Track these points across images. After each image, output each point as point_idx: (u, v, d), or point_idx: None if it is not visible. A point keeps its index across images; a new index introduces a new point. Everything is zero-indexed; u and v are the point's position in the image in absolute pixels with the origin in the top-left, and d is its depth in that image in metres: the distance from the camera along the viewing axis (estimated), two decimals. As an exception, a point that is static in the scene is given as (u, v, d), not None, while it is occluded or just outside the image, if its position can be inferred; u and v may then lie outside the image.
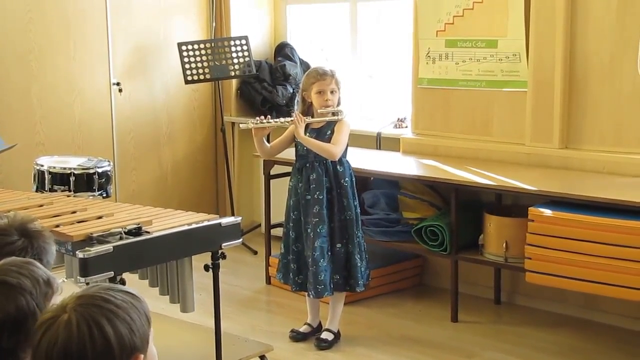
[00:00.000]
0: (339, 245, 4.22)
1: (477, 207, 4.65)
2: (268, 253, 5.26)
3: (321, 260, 4.15)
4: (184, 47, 5.69)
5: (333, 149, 4.14)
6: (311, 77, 4.20)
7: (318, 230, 4.15)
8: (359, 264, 4.23)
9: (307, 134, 4.18)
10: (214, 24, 6.24)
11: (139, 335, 1.66)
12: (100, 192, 4.53)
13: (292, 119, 4.20)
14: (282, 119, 4.25)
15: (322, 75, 4.17)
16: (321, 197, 4.16)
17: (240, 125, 4.29)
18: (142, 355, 1.67)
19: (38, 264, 1.95)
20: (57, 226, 3.27)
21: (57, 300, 1.93)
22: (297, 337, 4.37)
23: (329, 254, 4.19)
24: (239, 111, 6.24)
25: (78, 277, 3.04)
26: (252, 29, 6.22)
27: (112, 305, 1.65)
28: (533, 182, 4.28)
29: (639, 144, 4.36)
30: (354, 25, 5.92)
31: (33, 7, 5.32)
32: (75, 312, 1.63)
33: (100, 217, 3.44)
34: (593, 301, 4.48)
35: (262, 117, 4.22)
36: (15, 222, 2.27)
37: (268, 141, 4.36)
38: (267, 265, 5.22)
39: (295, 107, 5.63)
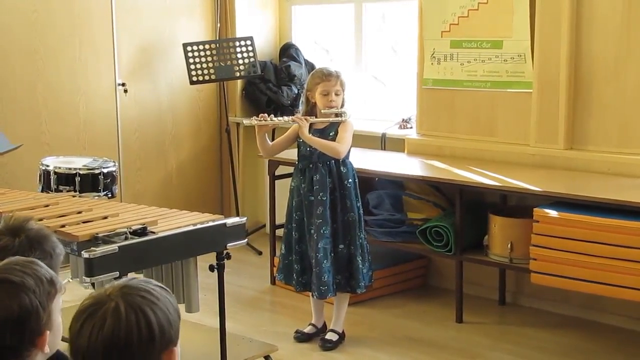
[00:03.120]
0: (341, 246, 4.22)
1: (482, 207, 4.65)
2: (273, 253, 5.26)
3: (324, 262, 4.15)
4: (189, 48, 5.70)
5: (339, 147, 4.14)
6: (316, 78, 4.21)
7: (321, 231, 4.15)
8: (360, 266, 4.23)
9: (311, 134, 4.18)
10: (218, 25, 6.24)
11: (175, 328, 1.71)
12: (105, 192, 4.54)
13: (294, 117, 4.21)
14: (285, 117, 4.26)
15: (327, 76, 4.17)
16: (324, 198, 4.16)
17: (244, 122, 4.29)
18: (176, 349, 1.71)
19: (41, 263, 1.96)
20: (63, 226, 3.28)
21: (60, 300, 1.94)
22: (302, 337, 4.37)
23: (332, 255, 4.19)
24: (244, 112, 6.25)
25: (83, 277, 3.04)
26: (257, 29, 6.22)
27: (154, 297, 1.70)
28: (538, 182, 4.27)
29: (644, 145, 4.36)
30: (359, 26, 5.92)
31: (39, 7, 5.33)
32: (123, 300, 1.66)
33: (105, 217, 3.44)
34: (598, 302, 4.48)
35: (266, 114, 4.22)
36: (8, 223, 2.28)
37: (273, 139, 4.36)
38: (272, 265, 5.22)
39: (300, 107, 5.64)
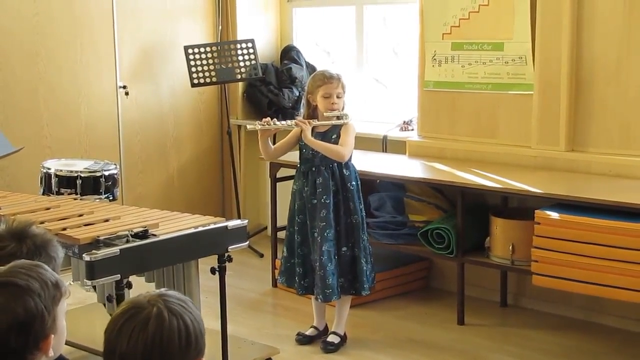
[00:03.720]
0: (344, 248, 4.22)
1: (483, 209, 4.64)
2: (274, 256, 5.26)
3: (329, 265, 4.15)
4: (190, 50, 5.70)
5: (342, 150, 4.14)
6: (317, 80, 4.20)
7: (325, 234, 4.15)
8: (364, 268, 4.23)
9: (313, 137, 4.17)
10: (220, 27, 6.25)
11: (204, 339, 1.78)
12: (106, 195, 4.53)
13: (297, 120, 4.21)
14: (288, 122, 4.25)
15: (328, 79, 4.17)
16: (328, 201, 4.16)
17: (248, 127, 4.29)
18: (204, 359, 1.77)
19: (47, 266, 1.96)
20: (64, 229, 3.28)
21: (64, 303, 1.94)
22: (304, 340, 4.37)
23: (335, 257, 4.19)
24: (245, 114, 6.25)
25: (85, 280, 3.05)
26: (258, 32, 6.23)
27: (191, 308, 1.78)
28: (539, 184, 4.27)
29: (646, 146, 4.36)
30: (360, 28, 5.92)
31: (40, 11, 5.34)
32: (165, 305, 1.72)
33: (107, 220, 3.45)
34: (599, 304, 4.47)
35: (269, 118, 4.21)
36: (9, 227, 2.28)
37: (274, 142, 4.36)
38: (274, 268, 5.22)
39: (301, 109, 5.64)
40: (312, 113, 4.25)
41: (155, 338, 1.68)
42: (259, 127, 4.16)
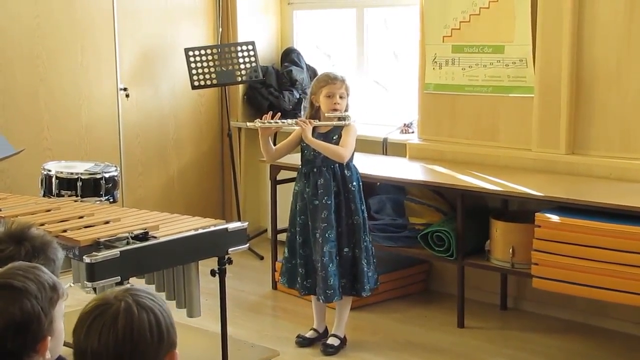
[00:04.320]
0: (346, 249, 4.22)
1: (484, 212, 4.64)
2: (274, 258, 5.26)
3: (330, 265, 4.15)
4: (190, 53, 5.70)
5: (342, 150, 4.14)
6: (321, 81, 4.21)
7: (327, 235, 4.15)
8: (365, 269, 4.23)
9: (314, 138, 4.18)
10: (220, 30, 6.25)
11: (175, 331, 1.75)
12: (107, 197, 4.54)
13: (298, 119, 4.22)
14: (289, 120, 4.25)
15: (332, 80, 4.18)
16: (329, 202, 4.16)
17: (247, 124, 4.30)
18: (177, 352, 1.75)
19: (44, 268, 1.96)
20: (65, 231, 3.28)
21: (62, 305, 1.94)
22: (303, 342, 4.37)
23: (337, 258, 4.19)
24: (246, 116, 6.25)
25: (85, 282, 3.05)
26: (259, 34, 6.23)
27: (159, 300, 1.74)
28: (539, 187, 4.27)
29: (646, 149, 4.36)
30: (361, 31, 5.93)
31: (41, 13, 5.34)
32: (133, 300, 1.69)
33: (107, 222, 3.45)
34: (600, 307, 4.47)
35: (269, 115, 4.21)
36: (9, 229, 2.27)
37: (275, 143, 4.36)
38: (274, 270, 5.22)
39: (302, 112, 5.64)
40: (315, 114, 4.25)
41: (125, 333, 1.66)
42: (259, 124, 4.16)
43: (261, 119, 4.19)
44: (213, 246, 3.43)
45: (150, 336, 1.67)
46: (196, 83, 5.73)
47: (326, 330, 4.40)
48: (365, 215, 4.29)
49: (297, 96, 6.02)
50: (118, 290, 1.74)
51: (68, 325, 2.04)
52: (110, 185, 4.57)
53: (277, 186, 5.24)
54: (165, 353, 1.71)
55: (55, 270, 2.21)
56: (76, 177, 4.49)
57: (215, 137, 6.40)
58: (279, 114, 4.25)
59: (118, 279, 3.06)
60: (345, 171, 4.21)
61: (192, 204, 6.15)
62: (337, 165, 4.19)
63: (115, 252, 3.06)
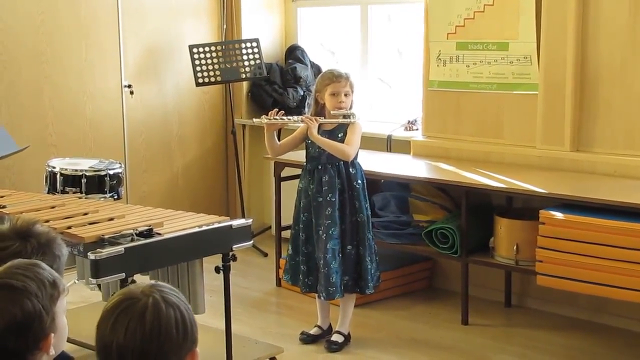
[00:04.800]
0: (349, 247, 4.22)
1: (488, 209, 4.64)
2: (278, 255, 5.26)
3: (333, 263, 4.15)
4: (195, 50, 5.71)
5: (347, 149, 4.14)
6: (326, 79, 4.21)
7: (330, 232, 4.15)
8: (369, 266, 4.23)
9: (319, 135, 4.18)
10: (224, 27, 6.25)
11: (197, 330, 1.75)
12: (111, 194, 4.54)
13: (304, 116, 4.22)
14: (295, 117, 4.26)
15: (337, 77, 4.18)
16: (333, 199, 4.16)
17: (254, 120, 4.30)
18: (198, 351, 1.75)
19: (44, 265, 1.95)
20: (69, 228, 3.28)
21: (64, 301, 1.94)
22: (307, 339, 4.37)
23: (340, 255, 4.19)
24: (250, 113, 6.25)
25: (89, 279, 3.05)
26: (263, 31, 6.23)
27: (183, 298, 1.75)
28: (544, 184, 4.27)
29: (651, 146, 4.35)
30: (365, 28, 5.92)
31: (45, 10, 5.35)
32: (160, 296, 1.70)
33: (111, 219, 3.45)
34: (604, 304, 4.47)
35: (275, 111, 4.21)
36: (14, 226, 2.27)
37: (279, 139, 4.37)
38: (278, 267, 5.23)
39: (306, 109, 5.64)
40: (320, 112, 4.25)
41: (153, 329, 1.66)
42: (266, 120, 4.17)
43: (267, 115, 4.20)
44: (217, 243, 3.43)
45: (176, 332, 1.68)
46: (200, 80, 5.73)
47: (330, 327, 4.41)
48: (369, 213, 4.29)
49: (301, 93, 6.02)
50: (144, 285, 1.74)
51: (71, 321, 2.05)
52: (115, 182, 4.58)
53: (282, 183, 5.25)
54: (189, 350, 1.72)
55: (59, 267, 2.21)
56: (81, 174, 4.49)
57: (219, 134, 6.40)
58: (283, 112, 4.26)
59: (122, 275, 3.06)
60: (350, 169, 4.21)
61: (196, 201, 6.15)
62: (342, 162, 4.19)
63: (119, 248, 3.06)
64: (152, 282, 1.78)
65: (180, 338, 1.69)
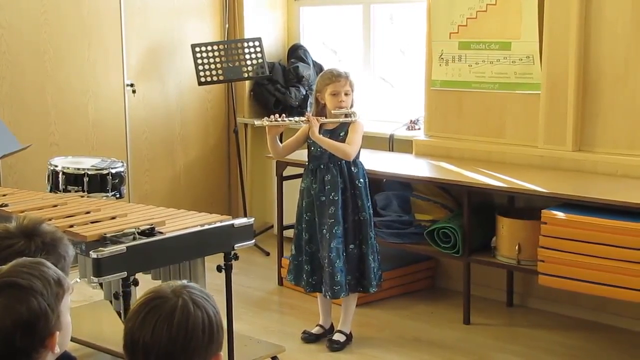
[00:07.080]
0: (352, 246, 4.22)
1: (490, 209, 4.64)
2: (280, 254, 5.27)
3: (337, 261, 4.16)
4: (197, 49, 5.71)
5: (348, 148, 4.15)
6: (325, 79, 4.22)
7: (333, 231, 4.15)
8: (372, 265, 4.24)
9: (321, 135, 4.18)
10: (227, 26, 6.25)
11: (223, 334, 1.77)
12: (113, 192, 4.55)
13: (305, 117, 4.23)
14: (296, 118, 4.27)
15: (336, 77, 4.18)
16: (336, 198, 4.16)
17: (255, 123, 4.30)
18: (222, 354, 1.76)
19: (49, 263, 1.95)
20: (71, 226, 3.29)
21: (68, 299, 1.94)
22: (309, 338, 4.38)
23: (344, 254, 4.20)
24: (252, 112, 6.26)
25: (91, 277, 3.05)
26: (265, 30, 6.23)
27: (213, 302, 1.77)
28: (546, 184, 4.27)
29: (653, 146, 4.35)
30: (367, 27, 5.92)
31: (48, 8, 5.35)
32: (190, 298, 1.72)
33: (113, 218, 3.45)
34: (606, 304, 4.47)
35: (277, 115, 4.23)
36: (20, 224, 2.27)
37: (281, 141, 4.37)
38: (280, 266, 5.23)
39: (309, 108, 5.64)
40: (321, 111, 4.26)
41: (180, 329, 1.68)
42: (267, 123, 4.17)
43: (268, 117, 4.20)
44: (219, 242, 3.43)
45: (202, 335, 1.70)
46: (203, 79, 5.73)
47: (332, 326, 4.41)
48: (372, 211, 4.29)
49: (304, 92, 6.02)
50: (175, 285, 1.76)
51: (75, 320, 2.05)
52: (117, 180, 4.58)
53: (284, 182, 5.25)
54: (213, 354, 1.74)
55: (65, 267, 2.21)
56: (83, 172, 4.49)
57: (221, 133, 6.40)
58: (284, 114, 4.26)
59: (124, 274, 3.07)
60: (352, 168, 4.22)
61: (199, 200, 6.16)
62: (344, 161, 4.20)
63: (121, 247, 3.07)
64: (184, 282, 1.80)
65: (206, 341, 1.71)
